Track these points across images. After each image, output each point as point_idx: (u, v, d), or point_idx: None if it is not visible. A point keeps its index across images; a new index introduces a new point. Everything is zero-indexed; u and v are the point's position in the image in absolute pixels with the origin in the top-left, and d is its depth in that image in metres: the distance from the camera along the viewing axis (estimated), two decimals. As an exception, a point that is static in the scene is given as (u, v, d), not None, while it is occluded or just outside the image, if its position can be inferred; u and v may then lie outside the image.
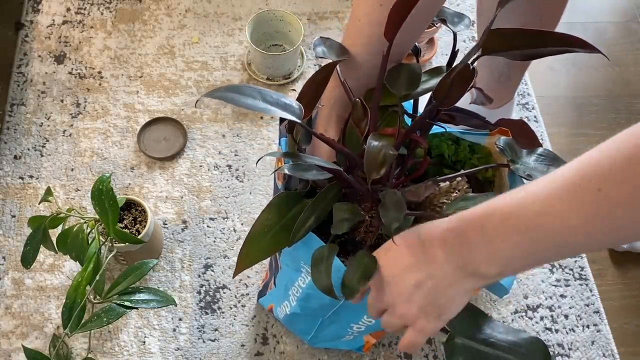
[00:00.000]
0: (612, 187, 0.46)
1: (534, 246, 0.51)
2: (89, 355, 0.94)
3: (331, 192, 0.65)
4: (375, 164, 0.59)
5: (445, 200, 0.72)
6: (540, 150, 0.67)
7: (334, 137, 0.73)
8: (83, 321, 0.84)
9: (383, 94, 0.68)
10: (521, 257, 0.52)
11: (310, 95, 0.64)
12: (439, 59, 1.37)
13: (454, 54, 0.71)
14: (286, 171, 0.61)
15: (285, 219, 0.67)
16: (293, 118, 0.59)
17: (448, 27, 0.74)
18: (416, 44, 0.76)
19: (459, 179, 0.72)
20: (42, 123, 1.24)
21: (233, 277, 0.79)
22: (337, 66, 0.69)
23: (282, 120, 0.78)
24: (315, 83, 0.64)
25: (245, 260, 0.67)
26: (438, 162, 0.82)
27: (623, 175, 0.45)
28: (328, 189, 0.65)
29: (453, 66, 0.64)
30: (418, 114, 0.72)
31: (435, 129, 0.72)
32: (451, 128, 0.78)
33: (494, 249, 0.52)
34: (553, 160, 0.65)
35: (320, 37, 0.71)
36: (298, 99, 0.63)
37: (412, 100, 0.72)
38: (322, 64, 0.79)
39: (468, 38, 1.39)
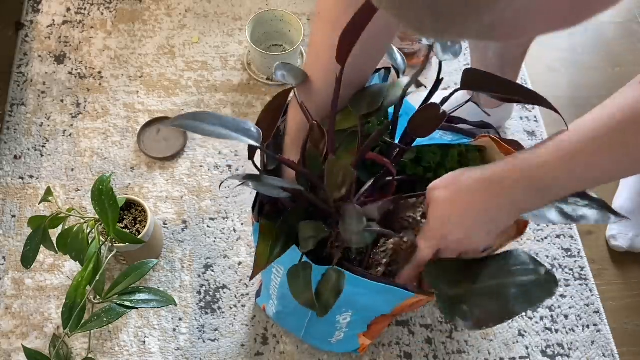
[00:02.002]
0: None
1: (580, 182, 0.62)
2: (89, 355, 0.94)
3: (294, 215, 0.68)
4: (335, 184, 0.62)
5: (412, 215, 0.73)
6: None
7: (296, 159, 0.73)
8: (83, 321, 0.84)
9: (344, 115, 0.70)
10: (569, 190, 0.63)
11: (268, 121, 0.65)
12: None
13: (438, 81, 0.72)
14: (251, 187, 0.62)
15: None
16: (253, 142, 0.60)
17: (435, 55, 0.75)
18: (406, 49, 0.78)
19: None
20: (42, 123, 1.24)
21: (250, 280, 0.83)
22: (296, 92, 0.70)
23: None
24: (271, 111, 0.65)
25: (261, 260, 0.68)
26: (423, 175, 0.82)
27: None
28: (291, 212, 0.68)
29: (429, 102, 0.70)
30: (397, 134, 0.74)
31: (424, 140, 0.73)
32: (439, 139, 0.78)
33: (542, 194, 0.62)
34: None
35: (281, 62, 0.73)
36: (257, 125, 0.64)
37: (391, 124, 0.73)
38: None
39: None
